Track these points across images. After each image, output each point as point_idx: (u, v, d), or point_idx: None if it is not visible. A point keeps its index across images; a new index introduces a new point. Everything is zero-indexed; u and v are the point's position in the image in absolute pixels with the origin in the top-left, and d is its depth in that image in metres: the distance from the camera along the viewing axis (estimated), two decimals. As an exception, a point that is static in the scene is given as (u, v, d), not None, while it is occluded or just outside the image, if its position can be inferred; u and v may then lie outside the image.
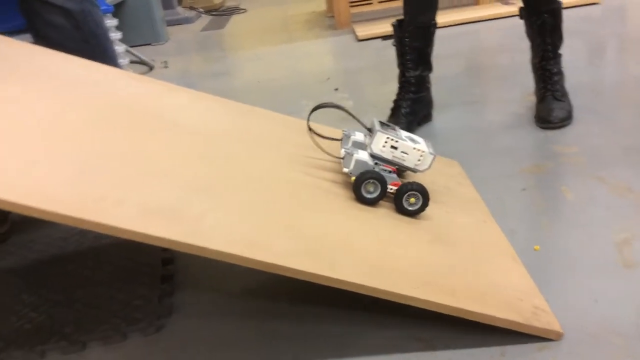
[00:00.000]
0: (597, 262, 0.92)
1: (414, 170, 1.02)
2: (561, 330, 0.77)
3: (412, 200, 0.97)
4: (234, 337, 0.86)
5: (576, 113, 1.50)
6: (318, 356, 0.80)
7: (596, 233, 1.00)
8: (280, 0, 4.94)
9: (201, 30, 3.87)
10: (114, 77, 1.15)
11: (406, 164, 1.01)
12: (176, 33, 3.81)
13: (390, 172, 1.00)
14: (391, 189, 0.98)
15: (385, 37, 2.73)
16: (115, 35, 2.40)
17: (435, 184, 1.14)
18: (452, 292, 0.78)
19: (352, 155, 0.98)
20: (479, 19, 2.83)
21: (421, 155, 1.01)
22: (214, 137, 1.06)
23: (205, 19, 4.35)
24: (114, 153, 0.86)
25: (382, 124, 1.02)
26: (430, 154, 1.01)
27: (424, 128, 1.59)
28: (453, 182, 1.19)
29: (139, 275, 1.03)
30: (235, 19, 4.24)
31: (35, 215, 0.67)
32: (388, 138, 0.99)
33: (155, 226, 0.72)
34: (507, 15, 2.77)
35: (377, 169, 0.98)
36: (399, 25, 1.54)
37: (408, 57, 1.54)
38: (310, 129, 1.06)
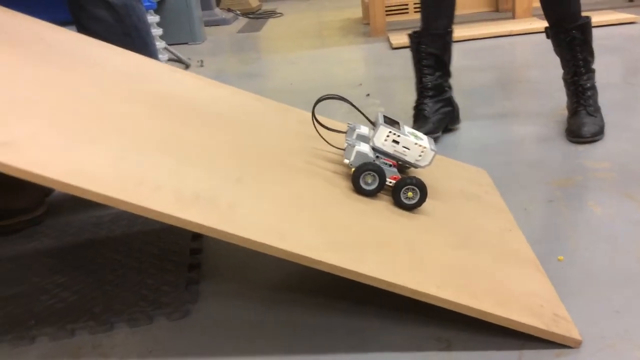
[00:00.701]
0: (620, 276, 0.92)
1: (414, 166, 1.03)
2: (580, 338, 0.78)
3: (410, 194, 0.98)
4: (256, 326, 0.89)
5: (608, 129, 1.50)
6: (338, 349, 0.82)
7: (621, 247, 1.00)
8: (316, 6, 4.99)
9: (237, 32, 3.93)
10: (156, 69, 1.19)
11: (407, 158, 1.02)
12: (213, 33, 3.88)
13: (390, 165, 1.01)
14: (390, 182, 0.99)
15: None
16: (156, 32, 2.46)
17: (464, 191, 1.15)
18: (474, 294, 0.80)
19: (354, 146, 0.99)
20: (515, 33, 2.83)
21: (422, 151, 1.02)
22: (249, 130, 1.09)
23: (242, 21, 4.42)
24: (153, 140, 0.89)
25: (386, 118, 1.03)
26: (432, 150, 1.02)
27: (453, 138, 1.60)
28: (481, 190, 1.20)
29: (167, 263, 1.06)
30: (271, 22, 4.30)
31: (77, 193, 0.70)
32: (390, 132, 1.00)
33: (191, 212, 0.74)
34: (542, 30, 2.76)
35: (377, 162, 0.99)
36: (415, 33, 1.57)
37: (424, 63, 1.56)
38: (315, 120, 1.08)
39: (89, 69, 1.06)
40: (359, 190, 0.98)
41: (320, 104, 1.03)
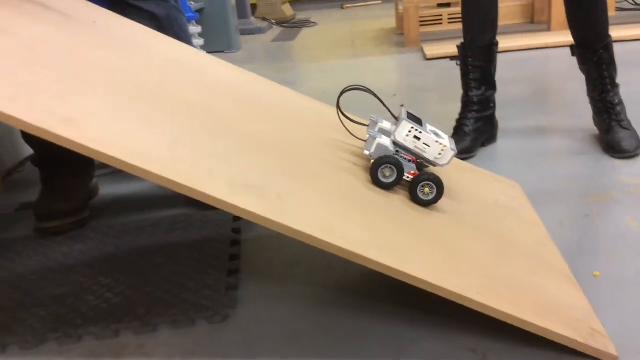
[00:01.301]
0: (657, 292, 0.92)
1: (433, 164, 1.04)
2: (616, 354, 0.78)
3: (427, 190, 1.00)
4: (294, 331, 0.91)
5: (645, 144, 1.49)
6: (374, 356, 0.84)
7: (659, 264, 1.00)
8: (350, 16, 5.02)
9: (272, 41, 3.98)
10: (206, 59, 1.25)
11: (427, 155, 1.03)
12: (248, 42, 3.94)
13: (409, 161, 1.02)
14: (408, 177, 1.01)
15: (453, 58, 2.74)
16: (198, 42, 2.52)
17: (499, 203, 1.16)
18: (514, 302, 0.81)
19: (375, 138, 1.01)
20: (550, 45, 2.81)
21: (442, 150, 1.02)
22: (290, 123, 1.12)
23: (277, 30, 4.47)
24: (206, 127, 0.93)
25: (409, 114, 1.05)
26: (452, 149, 1.03)
27: (488, 149, 1.60)
28: (515, 203, 1.21)
29: (207, 267, 1.09)
30: (305, 31, 4.34)
31: (134, 172, 0.74)
32: (412, 128, 1.01)
33: (241, 199, 0.77)
34: (579, 42, 2.74)
35: (397, 157, 1.01)
36: (462, 46, 1.58)
37: (471, 77, 1.57)
38: (340, 112, 1.09)
39: (143, 54, 1.12)
40: (376, 182, 1.00)
41: (348, 98, 1.05)
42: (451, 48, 2.85)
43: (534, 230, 1.11)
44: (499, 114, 1.64)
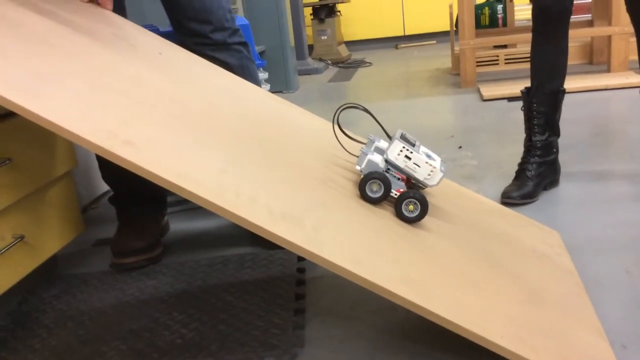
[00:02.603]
0: None
1: (423, 184, 1.08)
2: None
3: (411, 207, 1.04)
4: (361, 373, 0.93)
5: None
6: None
7: None
8: (404, 56, 5.09)
9: (328, 81, 4.07)
10: (259, 93, 1.32)
11: (416, 175, 1.07)
12: (305, 82, 4.04)
13: (399, 179, 1.07)
14: (395, 194, 1.05)
15: (511, 99, 2.76)
16: (265, 87, 2.63)
17: (536, 250, 1.17)
18: (536, 349, 0.82)
19: (366, 155, 1.07)
20: (610, 87, 2.79)
21: (432, 171, 1.06)
22: (336, 159, 1.18)
23: (333, 70, 4.57)
24: (251, 156, 0.99)
25: (403, 135, 1.09)
26: (441, 171, 1.07)
27: (550, 193, 1.60)
28: (552, 251, 1.21)
29: (274, 306, 1.13)
30: (360, 71, 4.42)
31: (184, 195, 0.80)
32: (404, 147, 1.06)
33: (280, 228, 0.82)
34: (639, 85, 2.71)
35: (387, 174, 1.05)
36: (527, 92, 1.59)
37: (535, 122, 1.58)
38: (339, 129, 1.15)
39: (201, 85, 1.20)
40: (364, 196, 1.05)
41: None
42: (508, 89, 2.89)
43: (569, 279, 1.11)
44: (560, 156, 1.65)
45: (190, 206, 1.69)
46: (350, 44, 5.60)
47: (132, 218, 1.42)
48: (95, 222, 1.70)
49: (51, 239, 1.22)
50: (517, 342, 0.82)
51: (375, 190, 1.05)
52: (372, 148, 1.12)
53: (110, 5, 1.26)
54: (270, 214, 0.85)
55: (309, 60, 4.52)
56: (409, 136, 1.11)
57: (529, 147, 1.59)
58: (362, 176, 1.06)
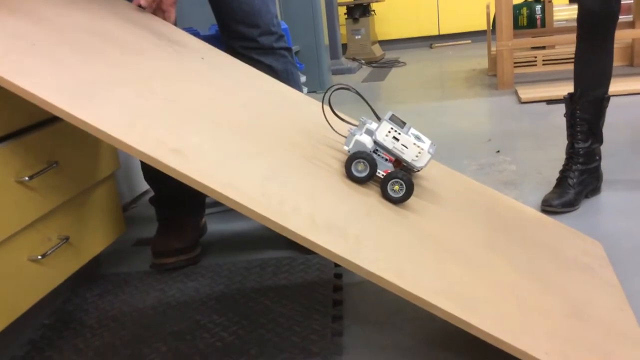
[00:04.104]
0: None
1: (411, 166, 1.06)
2: None
3: (397, 187, 1.03)
4: (401, 383, 0.93)
5: None
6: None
7: None
8: (439, 56, 5.05)
9: (362, 81, 4.06)
10: (301, 98, 1.33)
11: (404, 157, 1.05)
12: (339, 82, 4.03)
13: (387, 160, 1.06)
14: (381, 174, 1.05)
15: (549, 102, 2.72)
16: (304, 91, 2.65)
17: (578, 261, 1.16)
18: None
19: (354, 135, 1.06)
20: (652, 90, 2.73)
21: (419, 152, 1.05)
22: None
23: (366, 70, 4.56)
24: (294, 164, 1.00)
25: (393, 117, 1.08)
26: (429, 153, 1.05)
27: (591, 201, 1.58)
28: (595, 263, 1.19)
29: (313, 312, 1.14)
30: (394, 71, 4.40)
31: (228, 204, 0.81)
32: (392, 128, 1.04)
33: (322, 238, 0.83)
34: (685, 88, 2.64)
35: (375, 155, 1.05)
36: (570, 98, 1.56)
37: (578, 129, 1.55)
38: (330, 109, 1.14)
39: (245, 91, 1.21)
40: (349, 175, 1.04)
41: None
42: (547, 91, 2.84)
43: (612, 293, 1.09)
44: (602, 163, 1.62)
45: (227, 207, 1.71)
46: (384, 43, 5.57)
47: (172, 219, 1.44)
48: (135, 221, 1.73)
49: (94, 239, 1.24)
50: (561, 359, 0.81)
51: (360, 170, 1.05)
52: (363, 130, 1.12)
53: (173, 16, 1.28)
54: (313, 224, 0.85)
55: (343, 59, 4.52)
56: (398, 117, 1.11)
57: (571, 154, 1.56)
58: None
